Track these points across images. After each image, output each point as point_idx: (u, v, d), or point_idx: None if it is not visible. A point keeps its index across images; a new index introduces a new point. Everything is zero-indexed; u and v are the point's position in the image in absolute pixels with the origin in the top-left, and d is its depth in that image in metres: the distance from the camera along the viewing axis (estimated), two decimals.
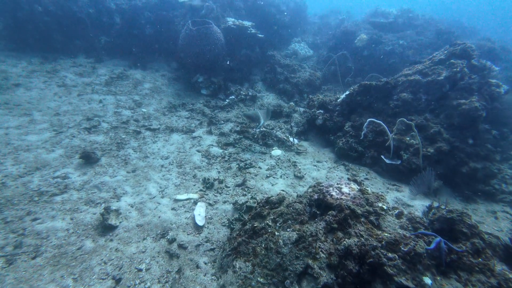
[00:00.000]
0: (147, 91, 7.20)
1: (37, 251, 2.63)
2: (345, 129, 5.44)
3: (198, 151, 5.04)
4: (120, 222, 3.11)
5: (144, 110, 6.25)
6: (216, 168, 4.59)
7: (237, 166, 4.68)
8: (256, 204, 3.33)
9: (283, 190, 4.10)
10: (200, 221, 3.33)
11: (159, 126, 5.68)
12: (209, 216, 3.48)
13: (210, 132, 5.76)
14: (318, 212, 2.91)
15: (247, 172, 4.54)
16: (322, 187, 3.12)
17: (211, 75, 7.71)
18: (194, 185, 4.09)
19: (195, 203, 3.68)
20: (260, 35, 8.62)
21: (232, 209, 3.62)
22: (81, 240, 2.82)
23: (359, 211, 2.63)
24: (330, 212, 2.75)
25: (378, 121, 4.80)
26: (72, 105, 5.81)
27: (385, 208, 2.80)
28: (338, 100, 5.98)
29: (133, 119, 5.74)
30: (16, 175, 3.67)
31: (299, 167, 4.81)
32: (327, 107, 5.98)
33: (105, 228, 2.98)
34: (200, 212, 3.49)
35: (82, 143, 4.61)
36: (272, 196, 3.13)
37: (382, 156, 4.77)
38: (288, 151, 5.42)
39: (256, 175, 4.49)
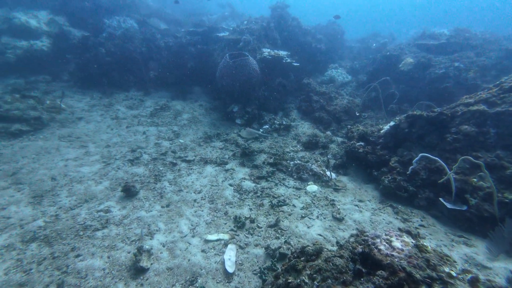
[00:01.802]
0: (185, 121, 7.58)
1: None
2: (391, 164, 4.95)
3: (231, 185, 5.00)
4: (151, 264, 3.11)
5: (181, 140, 6.53)
6: (248, 205, 4.46)
7: (270, 203, 4.50)
8: (290, 253, 3.09)
9: (320, 235, 3.77)
10: (230, 267, 3.18)
11: (194, 157, 5.83)
12: (240, 261, 3.31)
13: (243, 164, 5.73)
14: (363, 270, 2.55)
15: (281, 211, 4.33)
16: (367, 238, 2.76)
17: (246, 104, 7.86)
18: (225, 223, 4.00)
19: (226, 245, 3.56)
20: (295, 64, 8.68)
21: (264, 255, 3.41)
22: (114, 283, 2.86)
23: (418, 276, 2.21)
24: (379, 272, 2.37)
25: (434, 157, 4.27)
26: (121, 137, 6.33)
27: (453, 274, 2.33)
28: (381, 131, 5.55)
29: (171, 150, 6.00)
30: (68, 207, 3.99)
31: (338, 207, 4.44)
32: (369, 139, 5.58)
33: (137, 271, 3.00)
34: (230, 256, 3.35)
35: (125, 175, 4.91)
36: (308, 245, 2.86)
37: (442, 199, 4.15)
38: (325, 187, 5.09)
39: (290, 215, 4.25)
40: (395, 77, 8.89)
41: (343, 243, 3.05)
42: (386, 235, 2.76)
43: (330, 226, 4.01)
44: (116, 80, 9.06)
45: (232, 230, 3.84)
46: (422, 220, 4.14)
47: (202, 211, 4.23)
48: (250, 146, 6.39)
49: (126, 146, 5.96)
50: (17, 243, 3.28)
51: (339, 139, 6.93)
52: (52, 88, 8.33)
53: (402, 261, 2.31)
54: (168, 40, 10.40)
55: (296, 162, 5.64)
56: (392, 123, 5.39)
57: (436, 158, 4.23)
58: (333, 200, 4.63)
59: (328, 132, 7.29)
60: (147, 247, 3.33)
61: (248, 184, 5.00)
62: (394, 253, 2.47)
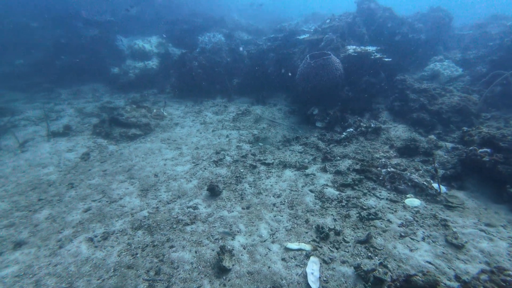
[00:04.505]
0: (265, 125, 7.66)
1: (169, 281, 2.95)
2: None
3: (311, 191, 4.65)
4: (233, 265, 3.11)
5: (260, 144, 6.59)
6: (332, 214, 4.02)
7: (358, 215, 3.93)
8: (389, 279, 2.53)
9: (429, 263, 3.00)
10: (313, 283, 2.85)
11: (273, 160, 5.75)
12: (324, 278, 2.94)
13: (324, 170, 5.29)
14: None
15: (372, 225, 3.71)
16: (509, 278, 1.99)
17: (327, 106, 7.36)
18: (307, 232, 3.69)
19: (308, 256, 3.25)
20: (386, 59, 7.63)
21: (353, 275, 2.94)
22: (200, 278, 2.97)
23: None
24: None
25: None
26: (207, 140, 6.89)
27: None
28: None
29: (251, 153, 6.11)
30: (165, 201, 4.52)
31: (454, 230, 3.49)
32: (498, 145, 4.25)
33: (220, 270, 3.05)
34: (313, 270, 3.02)
35: (210, 176, 5.25)
36: (415, 274, 2.28)
37: None
38: (432, 203, 4.12)
39: (384, 231, 3.59)
40: None
41: (469, 280, 2.29)
42: None
43: (443, 253, 3.16)
44: (205, 89, 10.07)
45: (314, 240, 3.50)
46: None
47: (282, 216, 4.05)
48: (332, 151, 5.88)
49: (211, 148, 6.42)
50: (128, 229, 3.87)
51: (449, 145, 5.60)
52: (158, 99, 9.93)
53: None
54: (250, 49, 10.93)
55: (389, 169, 4.81)
56: None
57: None
58: (446, 220, 3.67)
59: (432, 136, 6.01)
60: (229, 247, 3.37)
61: (331, 192, 4.54)
62: None
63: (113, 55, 11.83)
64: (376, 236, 3.50)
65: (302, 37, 9.72)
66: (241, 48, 11.29)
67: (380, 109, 7.51)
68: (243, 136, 7.01)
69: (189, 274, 3.05)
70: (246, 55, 10.96)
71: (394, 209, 4.03)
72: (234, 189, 4.80)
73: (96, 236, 3.73)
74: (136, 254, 3.38)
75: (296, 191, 4.69)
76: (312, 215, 4.02)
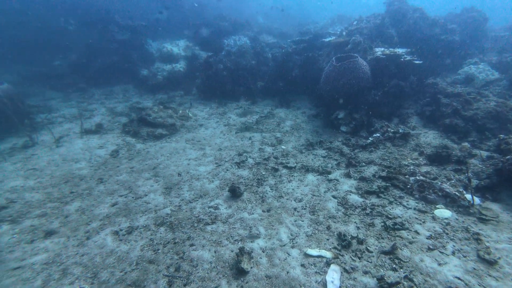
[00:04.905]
0: (288, 128, 7.62)
1: (188, 279, 3.03)
2: None
3: (334, 196, 4.55)
4: (251, 268, 3.12)
5: (283, 147, 6.56)
6: (355, 222, 3.90)
7: (383, 224, 3.78)
8: None
9: (459, 279, 2.81)
10: None
11: (295, 164, 5.71)
12: None
13: (348, 175, 5.15)
14: None
15: (397, 236, 3.55)
16: None
17: (353, 110, 7.16)
18: (328, 239, 3.61)
19: (328, 264, 3.18)
20: (416, 62, 7.29)
21: (376, 286, 2.83)
22: (219, 279, 3.02)
23: None
24: None
25: None
26: (230, 142, 7.00)
27: None
28: None
29: (273, 156, 6.11)
30: (188, 200, 4.65)
31: (487, 244, 3.24)
32: None
33: (238, 271, 3.07)
34: (333, 279, 2.95)
35: (232, 177, 5.32)
36: None
37: None
38: (464, 215, 3.86)
39: (411, 243, 3.41)
40: None
41: None
42: None
43: (474, 269, 2.94)
44: (229, 91, 10.25)
45: (335, 248, 3.42)
46: None
47: (303, 221, 4.00)
48: (357, 156, 5.72)
49: (234, 150, 6.51)
50: (152, 225, 4.03)
51: (484, 153, 5.21)
52: (184, 100, 10.27)
53: None
54: (275, 51, 10.97)
55: (418, 178, 4.57)
56: None
57: None
58: (478, 234, 3.42)
59: (465, 144, 5.63)
60: (247, 249, 3.39)
61: (355, 198, 4.41)
62: None
63: (143, 57, 12.46)
64: (402, 247, 3.34)
65: (327, 39, 9.57)
66: (266, 51, 11.36)
67: (409, 114, 7.17)
68: (265, 139, 7.03)
69: (207, 273, 3.11)
70: (270, 57, 11.01)
71: (423, 220, 3.83)
72: (255, 191, 4.83)
73: (121, 230, 3.93)
74: (158, 250, 3.52)
75: (318, 196, 4.61)
76: (334, 222, 3.93)
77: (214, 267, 3.19)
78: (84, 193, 4.96)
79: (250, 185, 5.02)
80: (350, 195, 4.54)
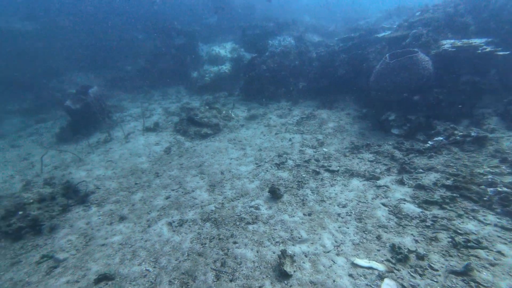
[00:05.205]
0: (330, 130, 7.30)
1: (233, 275, 3.11)
2: None
3: (384, 204, 4.20)
4: (294, 271, 3.05)
5: (325, 149, 6.30)
6: (412, 234, 3.54)
7: (451, 239, 3.35)
8: None
9: None
10: None
11: (338, 168, 5.43)
12: None
13: (401, 182, 4.70)
14: None
15: (472, 255, 3.11)
16: None
17: (407, 111, 6.53)
18: (379, 250, 3.34)
19: (381, 277, 2.93)
20: (501, 53, 6.26)
21: None
22: (262, 278, 3.03)
23: None
24: None
25: None
26: (270, 142, 6.98)
27: None
28: None
29: (314, 159, 5.90)
30: (230, 198, 4.78)
31: None
32: None
33: (281, 273, 3.04)
34: None
35: (272, 178, 5.29)
36: None
37: None
38: None
39: (492, 265, 2.96)
40: None
41: None
42: None
43: None
44: (271, 92, 10.25)
45: (388, 260, 3.15)
46: None
47: (348, 228, 3.78)
48: (412, 162, 5.20)
49: (274, 151, 6.48)
50: (199, 219, 4.23)
51: None
52: (227, 101, 10.59)
53: None
54: (320, 51, 10.63)
55: (500, 189, 3.96)
56: None
57: None
58: None
59: None
60: (290, 252, 3.32)
61: (411, 208, 4.01)
62: None
63: (194, 60, 13.24)
64: (481, 269, 2.92)
65: (381, 34, 8.89)
66: (311, 50, 11.09)
67: (486, 115, 6.22)
68: (306, 141, 6.85)
69: (251, 272, 3.13)
70: (315, 57, 10.70)
71: (508, 239, 3.29)
72: (296, 194, 4.73)
73: (174, 222, 4.22)
74: (205, 244, 3.67)
75: (365, 202, 4.32)
76: (385, 232, 3.63)
77: (257, 266, 3.20)
78: (145, 185, 5.47)
79: (290, 187, 4.93)
80: (404, 203, 4.14)
